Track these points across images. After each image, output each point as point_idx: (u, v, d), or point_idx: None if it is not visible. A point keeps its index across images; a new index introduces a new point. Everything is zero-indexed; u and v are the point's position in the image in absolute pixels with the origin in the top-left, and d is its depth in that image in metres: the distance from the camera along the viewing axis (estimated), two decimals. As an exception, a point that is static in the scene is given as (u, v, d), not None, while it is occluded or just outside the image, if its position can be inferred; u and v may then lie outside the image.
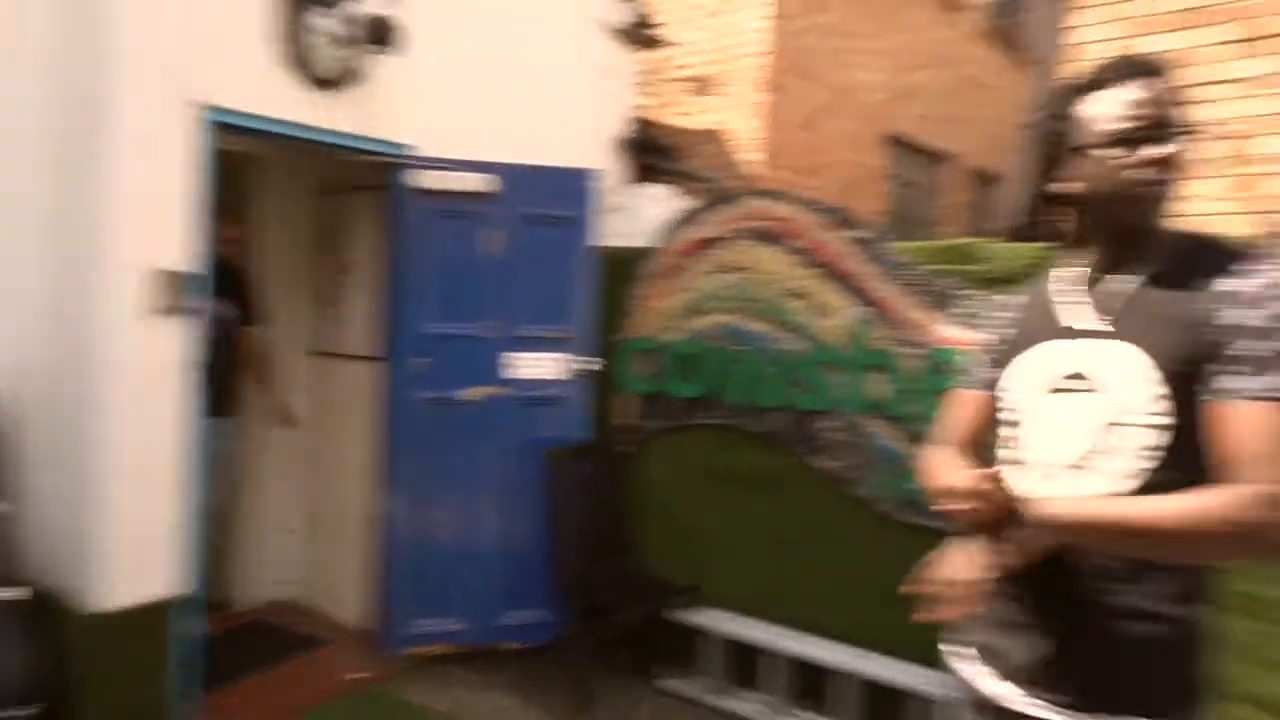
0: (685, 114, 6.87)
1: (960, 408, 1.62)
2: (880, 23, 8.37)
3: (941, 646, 1.58)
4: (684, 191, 6.58)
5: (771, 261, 3.71)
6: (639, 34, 5.86)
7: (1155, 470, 1.30)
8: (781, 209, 3.70)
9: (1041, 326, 1.46)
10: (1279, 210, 3.86)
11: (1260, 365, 1.23)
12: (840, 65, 7.75)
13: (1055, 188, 1.44)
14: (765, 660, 3.56)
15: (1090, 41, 4.37)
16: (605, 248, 4.17)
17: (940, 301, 3.29)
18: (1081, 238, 1.45)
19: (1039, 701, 1.38)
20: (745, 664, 3.66)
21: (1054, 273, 1.50)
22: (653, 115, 7.01)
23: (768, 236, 3.73)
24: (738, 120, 6.63)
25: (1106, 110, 1.36)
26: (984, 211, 11.47)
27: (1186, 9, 4.15)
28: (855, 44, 7.99)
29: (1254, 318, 1.25)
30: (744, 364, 3.79)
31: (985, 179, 11.25)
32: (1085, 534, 1.27)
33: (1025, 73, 11.92)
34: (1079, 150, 1.39)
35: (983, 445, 1.60)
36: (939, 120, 9.88)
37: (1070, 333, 1.41)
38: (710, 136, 6.74)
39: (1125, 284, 1.38)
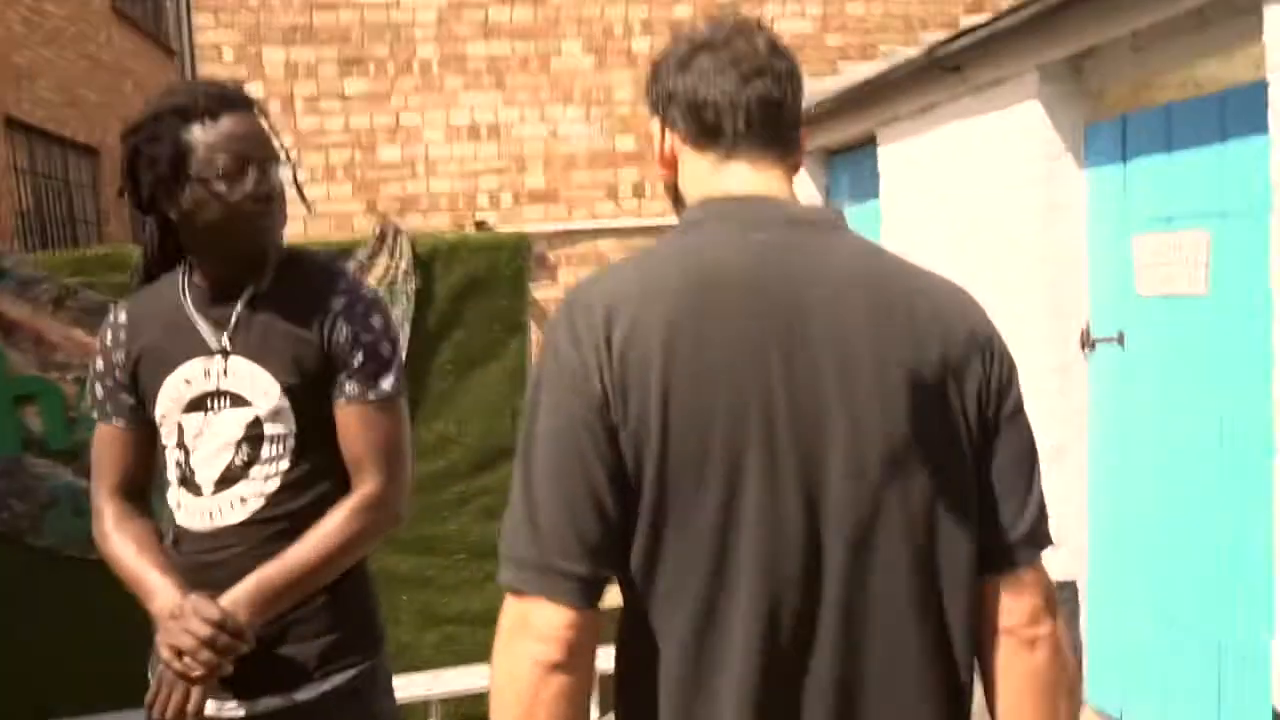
0: None
1: (107, 445, 1.54)
2: (-28, -14, 7.08)
3: (151, 676, 1.51)
4: None
5: None
6: None
7: (289, 470, 1.46)
8: None
9: (182, 346, 1.48)
10: (390, 210, 4.61)
11: (356, 373, 1.46)
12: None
13: (164, 209, 1.45)
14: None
15: (214, 44, 4.48)
16: None
17: (96, 315, 3.03)
18: (190, 255, 1.49)
19: (232, 704, 1.44)
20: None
21: (184, 286, 1.51)
22: None
23: None
24: None
25: (209, 141, 1.41)
26: (146, 206, 10.85)
27: (290, 25, 4.56)
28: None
29: (346, 333, 1.45)
30: None
31: (142, 171, 10.61)
32: (280, 604, 1.39)
33: (171, 62, 11.54)
34: (181, 178, 1.42)
35: (148, 476, 1.56)
36: (78, 107, 8.89)
37: (208, 350, 1.46)
38: None
39: (241, 302, 1.48)
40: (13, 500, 3.03)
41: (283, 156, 1.50)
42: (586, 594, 0.89)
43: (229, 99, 1.46)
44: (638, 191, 5.02)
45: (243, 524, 1.44)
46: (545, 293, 4.86)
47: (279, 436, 1.45)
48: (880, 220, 4.39)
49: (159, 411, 1.49)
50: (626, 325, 0.89)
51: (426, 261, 3.24)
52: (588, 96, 4.92)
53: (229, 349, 1.46)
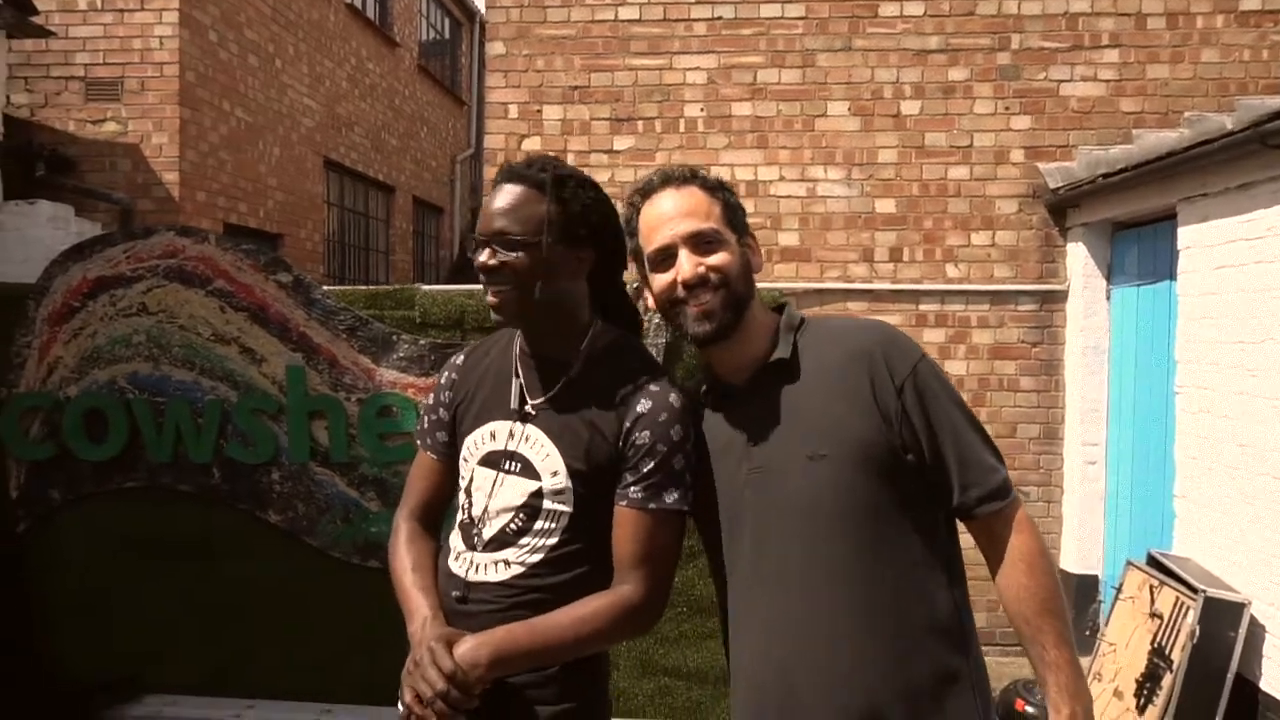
0: (88, 121, 5.92)
1: (421, 471, 1.66)
2: (312, 47, 8.21)
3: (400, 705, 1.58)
4: (87, 212, 5.66)
5: (193, 304, 3.38)
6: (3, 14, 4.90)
7: (555, 547, 1.47)
8: (203, 249, 3.39)
9: (497, 402, 1.54)
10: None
11: (644, 479, 1.43)
12: (269, 86, 7.41)
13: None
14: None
15: (501, 102, 4.86)
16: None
17: (380, 345, 3.34)
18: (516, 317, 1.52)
19: None
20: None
21: (516, 344, 1.57)
22: (41, 117, 5.90)
23: (187, 277, 3.39)
24: (151, 135, 5.93)
25: (483, 211, 1.48)
26: (428, 239, 11.98)
27: (570, 86, 4.85)
28: (285, 66, 7.71)
29: (645, 438, 1.43)
30: (168, 417, 3.39)
31: (427, 208, 11.76)
32: (516, 665, 1.40)
33: (460, 112, 12.78)
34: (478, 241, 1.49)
35: (445, 507, 1.66)
36: (380, 150, 10.05)
37: (515, 414, 1.52)
38: (123, 150, 5.91)
39: (553, 376, 1.51)
40: (298, 502, 3.38)
41: (545, 240, 1.42)
42: None
43: (511, 173, 1.48)
44: (894, 255, 4.84)
45: (499, 584, 1.48)
46: (788, 352, 4.78)
47: (555, 513, 1.47)
48: (1176, 304, 3.91)
49: (463, 454, 1.57)
50: None
51: (678, 317, 3.27)
52: (850, 158, 4.83)
53: (533, 417, 1.50)
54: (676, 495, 1.45)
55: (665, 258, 1.38)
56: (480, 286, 1.50)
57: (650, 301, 1.47)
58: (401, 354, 3.34)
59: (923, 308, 4.80)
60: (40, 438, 3.44)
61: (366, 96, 9.40)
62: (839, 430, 1.31)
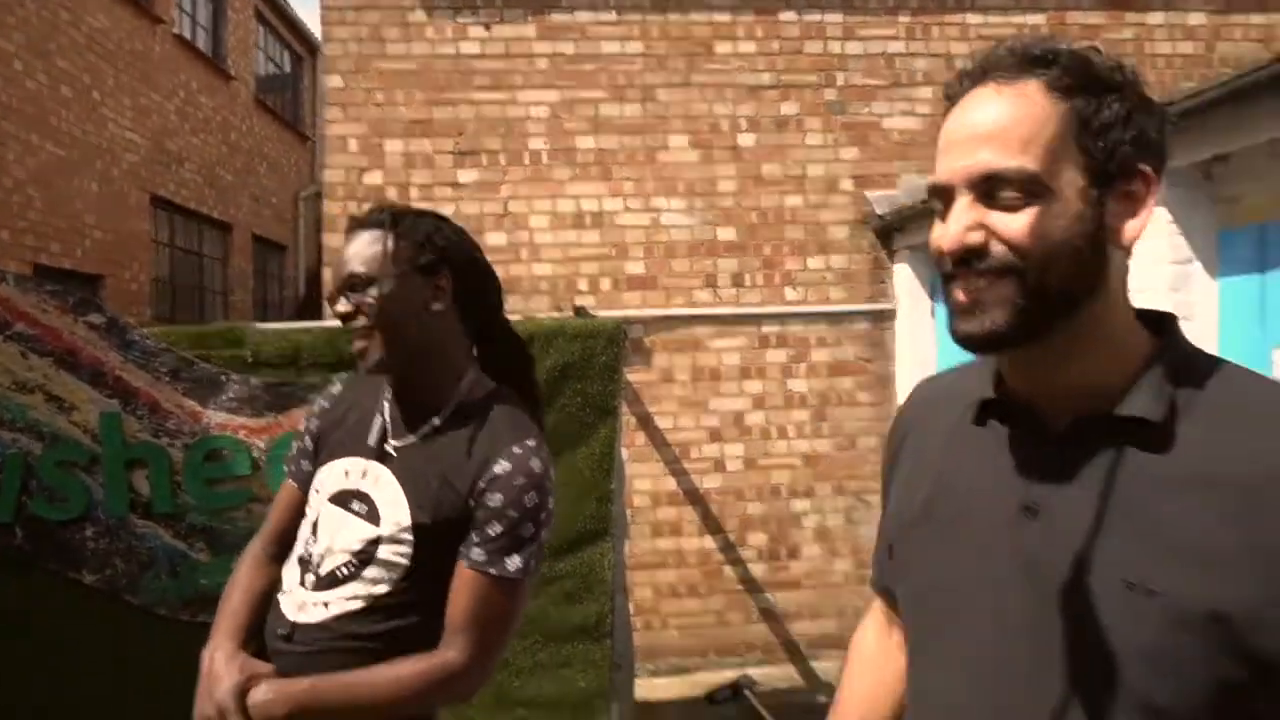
0: None
1: (282, 498, 1.62)
2: (135, 78, 7.76)
3: None
4: None
5: (-10, 350, 3.09)
6: None
7: (381, 597, 1.43)
8: None
9: (357, 437, 1.50)
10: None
11: (489, 542, 1.40)
12: (86, 119, 6.94)
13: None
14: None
15: (340, 135, 4.74)
16: None
17: (208, 386, 3.15)
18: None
19: None
20: None
21: (388, 391, 1.52)
22: None
23: (-18, 321, 3.09)
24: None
25: (342, 255, 1.45)
26: (270, 278, 11.45)
27: (412, 120, 4.79)
28: (104, 98, 7.25)
29: (497, 501, 1.40)
30: (-40, 476, 3.07)
31: (270, 246, 11.26)
32: (316, 715, 1.35)
33: (304, 147, 12.35)
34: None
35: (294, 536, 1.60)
36: (215, 187, 9.56)
37: (371, 452, 1.48)
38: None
39: (418, 420, 1.47)
40: (116, 559, 3.12)
41: (392, 271, 1.41)
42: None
43: (354, 222, 1.49)
44: (736, 281, 5.00)
45: (316, 625, 1.43)
46: (639, 376, 4.85)
47: (389, 563, 1.43)
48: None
49: (314, 485, 1.53)
50: None
51: (523, 346, 3.26)
52: (691, 189, 4.97)
53: (389, 459, 1.47)
54: (519, 563, 1.42)
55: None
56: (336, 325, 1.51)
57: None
58: (232, 394, 3.16)
59: (765, 330, 4.98)
60: None
61: (199, 131, 8.95)
62: (1201, 571, 0.78)
